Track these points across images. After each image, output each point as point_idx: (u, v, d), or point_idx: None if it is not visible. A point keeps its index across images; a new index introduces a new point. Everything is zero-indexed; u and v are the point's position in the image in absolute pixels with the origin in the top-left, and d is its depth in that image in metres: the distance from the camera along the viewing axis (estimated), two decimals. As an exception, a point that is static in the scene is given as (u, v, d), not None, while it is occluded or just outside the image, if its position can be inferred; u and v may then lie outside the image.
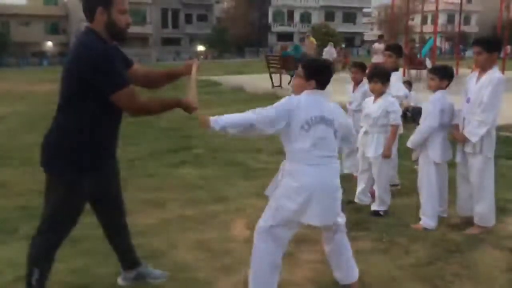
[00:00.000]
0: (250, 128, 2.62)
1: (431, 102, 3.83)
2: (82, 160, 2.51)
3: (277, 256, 2.70)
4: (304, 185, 2.57)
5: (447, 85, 3.85)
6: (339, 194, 2.72)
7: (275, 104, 2.64)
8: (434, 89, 3.84)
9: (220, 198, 4.64)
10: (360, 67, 5.05)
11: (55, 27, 53.23)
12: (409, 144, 3.95)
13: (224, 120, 2.66)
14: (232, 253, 3.45)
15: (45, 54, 49.75)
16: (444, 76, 3.82)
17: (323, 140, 2.59)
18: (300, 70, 2.75)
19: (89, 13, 2.46)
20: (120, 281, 3.01)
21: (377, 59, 15.25)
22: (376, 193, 4.20)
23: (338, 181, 2.69)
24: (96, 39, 2.44)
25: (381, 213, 4.15)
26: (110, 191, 2.80)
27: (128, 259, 2.99)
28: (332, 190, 2.65)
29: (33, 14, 50.21)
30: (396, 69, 4.80)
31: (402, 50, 5.06)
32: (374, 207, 4.21)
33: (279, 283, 3.01)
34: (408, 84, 7.56)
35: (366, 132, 4.21)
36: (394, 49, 4.92)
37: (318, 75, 2.70)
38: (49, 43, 52.32)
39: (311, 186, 2.57)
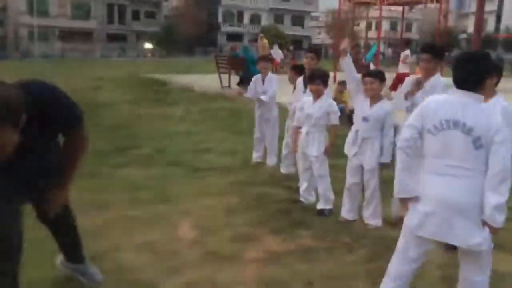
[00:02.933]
0: None
1: (387, 112, 3.90)
2: None
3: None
4: (427, 195, 2.41)
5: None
6: (470, 213, 2.34)
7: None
8: (375, 93, 3.91)
9: (166, 199, 4.57)
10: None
11: (-9, 19, 50.24)
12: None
13: None
14: (178, 254, 3.41)
15: (-18, 48, 46.84)
16: (383, 79, 3.94)
17: (452, 147, 2.35)
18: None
19: None
20: (58, 262, 2.97)
21: (404, 68, 12.35)
22: (320, 192, 4.30)
23: (469, 198, 2.34)
24: None
25: (326, 212, 4.24)
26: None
27: (70, 254, 2.95)
28: (455, 205, 2.35)
29: (-32, 5, 47.12)
30: None
31: (321, 53, 5.23)
32: (319, 206, 4.29)
33: (224, 283, 3.02)
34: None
35: (307, 133, 4.27)
36: (315, 52, 5.01)
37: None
38: (-15, 36, 49.29)
39: (435, 197, 2.39)
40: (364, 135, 3.96)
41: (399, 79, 11.63)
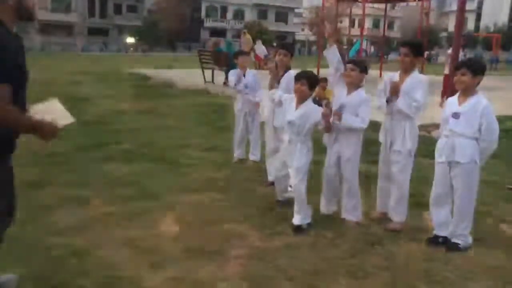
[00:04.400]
0: None
1: (363, 100, 3.84)
2: None
3: None
4: None
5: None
6: None
7: None
8: (353, 80, 3.84)
9: (148, 195, 4.53)
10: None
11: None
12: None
13: None
14: (160, 250, 3.38)
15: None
16: (364, 70, 3.90)
17: None
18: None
19: None
20: None
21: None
22: (296, 207, 3.87)
23: None
24: None
25: (304, 226, 3.84)
26: None
27: None
28: None
29: None
30: (289, 68, 4.75)
31: (294, 50, 5.03)
32: (296, 221, 3.84)
33: (206, 279, 3.00)
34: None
35: (290, 141, 3.90)
36: (288, 48, 4.86)
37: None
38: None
39: None
40: (341, 124, 3.91)
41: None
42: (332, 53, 3.97)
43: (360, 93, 3.89)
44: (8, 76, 2.16)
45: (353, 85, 3.89)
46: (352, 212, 4.01)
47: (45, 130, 2.28)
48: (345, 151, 3.93)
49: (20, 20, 2.36)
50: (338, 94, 3.98)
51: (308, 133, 3.91)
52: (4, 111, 2.15)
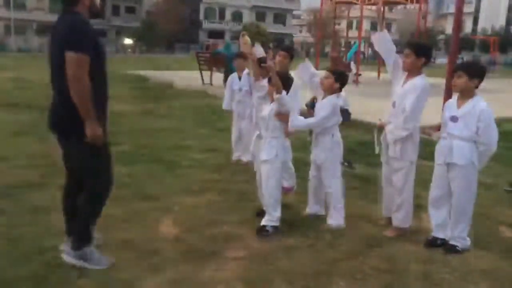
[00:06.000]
0: None
1: (328, 105, 3.88)
2: None
3: None
4: None
5: (340, 89, 3.96)
6: None
7: None
8: (325, 88, 3.92)
9: (147, 196, 4.52)
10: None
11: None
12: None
13: None
14: (159, 252, 3.37)
15: None
16: (339, 79, 3.91)
17: None
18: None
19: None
20: (64, 256, 3.07)
21: None
22: (264, 203, 3.89)
23: None
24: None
25: (268, 229, 3.75)
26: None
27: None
28: None
29: None
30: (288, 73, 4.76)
31: (294, 52, 5.03)
32: (262, 221, 3.79)
33: (205, 281, 2.99)
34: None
35: (259, 136, 3.93)
36: (289, 50, 4.84)
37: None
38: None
39: None
40: (316, 129, 3.96)
41: None
42: (303, 68, 4.09)
43: (331, 98, 3.91)
44: (89, 50, 2.67)
45: (327, 92, 3.94)
46: (332, 216, 3.98)
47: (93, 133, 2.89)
48: (320, 156, 3.97)
49: (91, 17, 2.88)
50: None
51: (277, 129, 3.84)
52: (82, 81, 2.64)
